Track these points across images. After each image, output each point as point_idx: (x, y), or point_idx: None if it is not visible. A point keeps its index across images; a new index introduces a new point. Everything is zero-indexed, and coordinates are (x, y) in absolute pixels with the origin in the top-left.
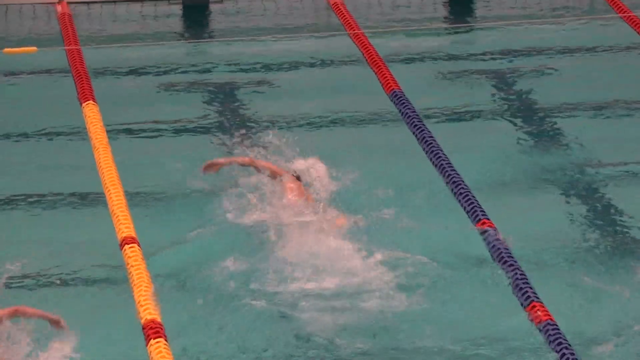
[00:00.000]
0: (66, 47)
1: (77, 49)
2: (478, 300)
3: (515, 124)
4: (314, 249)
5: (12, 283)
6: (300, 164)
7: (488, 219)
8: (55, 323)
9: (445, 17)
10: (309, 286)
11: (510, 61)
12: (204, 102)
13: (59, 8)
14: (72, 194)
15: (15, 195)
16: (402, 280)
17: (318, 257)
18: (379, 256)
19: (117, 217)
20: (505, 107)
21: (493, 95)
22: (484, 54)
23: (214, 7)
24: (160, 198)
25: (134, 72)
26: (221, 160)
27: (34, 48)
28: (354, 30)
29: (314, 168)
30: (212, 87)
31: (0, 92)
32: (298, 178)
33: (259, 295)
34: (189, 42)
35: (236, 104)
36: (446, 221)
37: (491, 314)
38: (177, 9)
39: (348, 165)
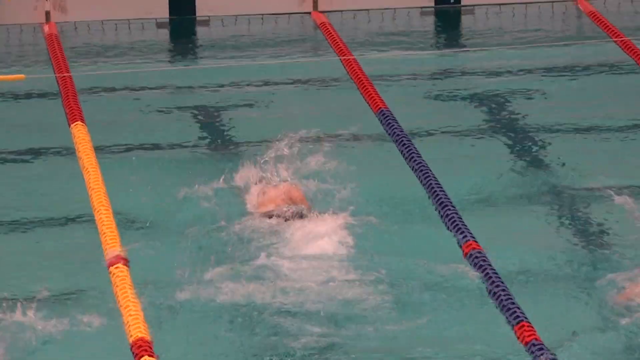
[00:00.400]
0: (57, 75)
1: (68, 76)
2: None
3: (503, 144)
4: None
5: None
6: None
7: (475, 240)
8: None
9: (433, 38)
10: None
11: (498, 81)
12: (191, 123)
13: (46, 28)
14: (62, 217)
15: (2, 217)
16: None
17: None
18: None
19: (106, 237)
20: (493, 127)
21: (481, 115)
22: (471, 74)
23: (200, 28)
24: (150, 218)
25: (122, 92)
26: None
27: (22, 76)
28: (342, 50)
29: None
30: (199, 108)
31: None
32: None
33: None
34: (176, 63)
35: (224, 125)
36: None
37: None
38: (165, 28)
39: (337, 182)
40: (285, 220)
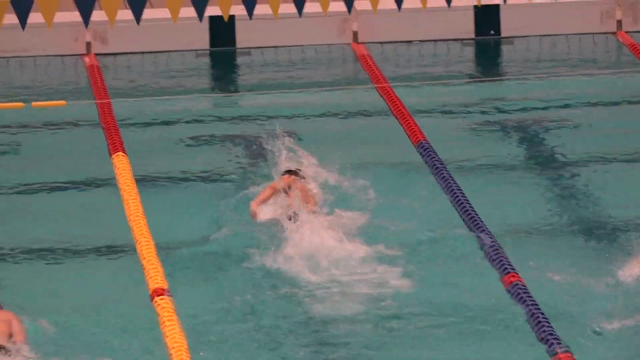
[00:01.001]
0: (96, 101)
1: (107, 102)
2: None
3: (540, 174)
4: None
5: (43, 331)
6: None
7: (514, 271)
8: None
9: (470, 70)
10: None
11: (538, 112)
12: (231, 153)
13: (86, 60)
14: (103, 245)
15: (46, 246)
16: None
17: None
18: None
19: (147, 268)
20: (528, 158)
21: (516, 146)
22: (508, 105)
23: (240, 58)
24: (190, 249)
25: (162, 123)
26: (262, 197)
27: (63, 102)
28: (380, 82)
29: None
30: (240, 138)
31: (30, 144)
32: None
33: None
34: (217, 94)
35: (264, 155)
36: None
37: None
38: (205, 59)
39: (375, 210)
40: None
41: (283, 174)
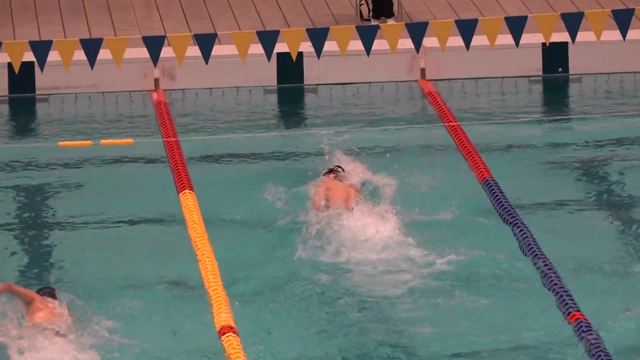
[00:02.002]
0: (165, 140)
1: (176, 142)
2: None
3: (605, 214)
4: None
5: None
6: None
7: (579, 311)
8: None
9: (538, 107)
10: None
11: (600, 152)
12: (296, 191)
13: (154, 96)
14: (170, 282)
15: (114, 283)
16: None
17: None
18: None
19: (216, 307)
20: (596, 197)
21: (584, 184)
22: (574, 143)
23: (308, 95)
24: (256, 284)
25: (229, 159)
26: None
27: (131, 140)
28: (447, 119)
29: None
30: (301, 174)
31: (97, 181)
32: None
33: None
34: (284, 129)
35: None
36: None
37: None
38: (273, 96)
39: (441, 247)
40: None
41: (324, 173)
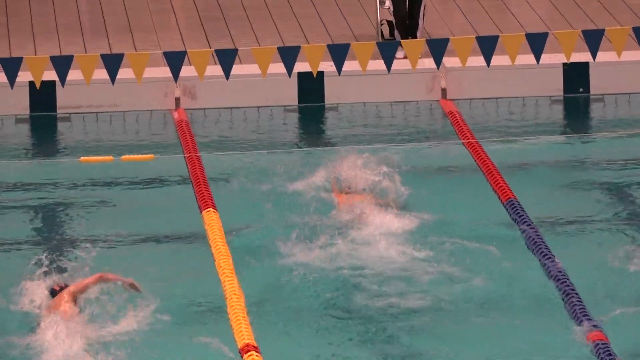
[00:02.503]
0: (186, 156)
1: (198, 160)
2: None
3: (628, 234)
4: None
5: None
6: None
7: (601, 330)
8: (132, 286)
9: (559, 127)
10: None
11: (622, 172)
12: (319, 205)
13: (175, 115)
14: (192, 301)
15: (133, 301)
16: None
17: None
18: None
19: (236, 325)
20: (617, 216)
21: (605, 204)
22: (597, 163)
23: (329, 114)
24: (282, 304)
25: (251, 177)
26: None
27: (151, 156)
28: (468, 138)
29: None
30: (321, 192)
31: (118, 198)
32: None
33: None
34: (304, 148)
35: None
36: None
37: None
38: (294, 115)
39: (459, 268)
40: None
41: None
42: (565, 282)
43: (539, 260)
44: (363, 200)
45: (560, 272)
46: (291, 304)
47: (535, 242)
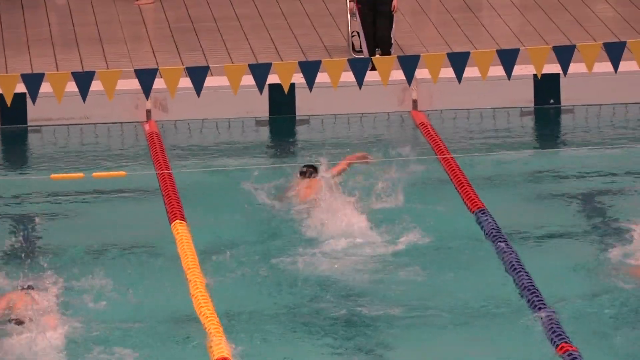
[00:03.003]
0: (157, 172)
1: (168, 173)
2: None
3: (596, 245)
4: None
5: None
6: None
7: (568, 343)
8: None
9: (530, 138)
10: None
11: (592, 183)
12: (289, 218)
13: (146, 127)
14: (163, 314)
15: (105, 316)
16: None
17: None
18: None
19: (211, 335)
20: (586, 227)
21: (574, 216)
22: (570, 173)
23: (300, 126)
24: (252, 312)
25: (222, 190)
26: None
27: (123, 172)
28: (440, 149)
29: None
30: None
31: (88, 213)
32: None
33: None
34: (272, 161)
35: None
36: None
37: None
38: (264, 127)
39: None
40: None
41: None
42: (534, 292)
43: (509, 273)
44: (321, 186)
45: (530, 283)
46: (264, 313)
47: (505, 252)
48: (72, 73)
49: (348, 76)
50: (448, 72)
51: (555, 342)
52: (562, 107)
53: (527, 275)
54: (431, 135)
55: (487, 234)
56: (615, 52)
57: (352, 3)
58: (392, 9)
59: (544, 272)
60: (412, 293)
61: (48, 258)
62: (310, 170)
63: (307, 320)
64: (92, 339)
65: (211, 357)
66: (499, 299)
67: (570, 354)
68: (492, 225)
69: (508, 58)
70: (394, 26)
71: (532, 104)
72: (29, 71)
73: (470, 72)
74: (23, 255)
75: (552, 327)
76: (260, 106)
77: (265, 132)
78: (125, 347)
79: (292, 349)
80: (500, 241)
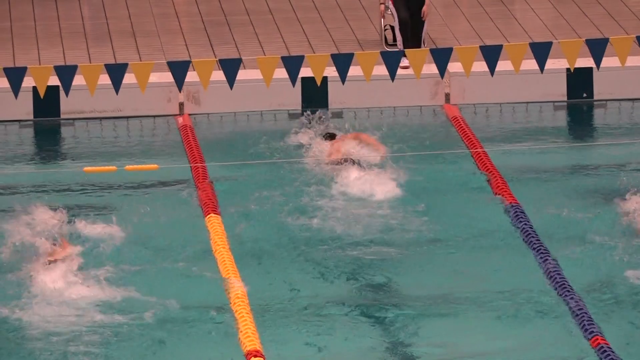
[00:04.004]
0: (191, 165)
1: (202, 166)
2: None
3: (629, 239)
4: None
5: None
6: None
7: (601, 335)
8: None
9: (563, 133)
10: None
11: (627, 176)
12: (328, 217)
13: (179, 120)
14: (197, 305)
15: (138, 307)
16: None
17: None
18: None
19: (244, 330)
20: (620, 221)
21: (607, 210)
22: (603, 167)
23: (333, 120)
24: (284, 307)
25: (262, 182)
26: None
27: (155, 166)
28: (473, 143)
29: None
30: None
31: (122, 205)
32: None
33: None
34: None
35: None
36: None
37: None
38: (297, 120)
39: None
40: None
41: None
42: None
43: (539, 262)
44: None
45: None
46: (297, 309)
47: (535, 246)
48: (105, 65)
49: (381, 69)
50: (481, 66)
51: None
52: (594, 102)
53: (554, 263)
54: (463, 129)
55: (519, 229)
56: None
57: None
58: (422, 16)
59: (575, 265)
60: (436, 277)
61: (81, 252)
62: (332, 134)
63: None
64: (119, 336)
65: (242, 347)
66: (527, 291)
67: (602, 348)
68: (525, 220)
69: (541, 51)
70: (425, 26)
71: (565, 98)
72: (62, 64)
73: (503, 65)
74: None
75: (583, 320)
76: (293, 99)
77: (298, 124)
78: (158, 338)
79: (327, 336)
80: (533, 238)
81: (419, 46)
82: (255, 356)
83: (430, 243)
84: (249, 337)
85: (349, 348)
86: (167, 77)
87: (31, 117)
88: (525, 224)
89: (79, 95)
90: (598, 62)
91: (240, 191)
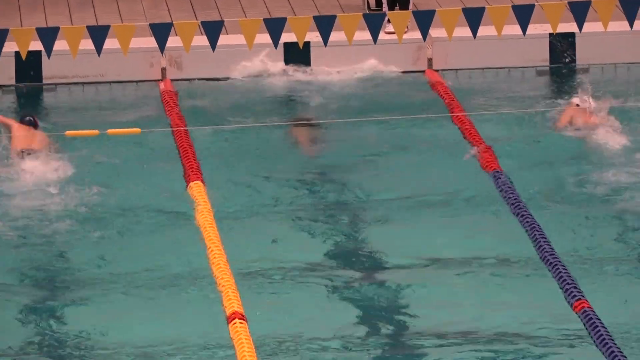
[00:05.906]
0: (173, 129)
1: (184, 132)
2: None
3: (610, 201)
4: None
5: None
6: None
7: (584, 298)
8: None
9: (545, 97)
10: None
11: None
12: (318, 183)
13: (162, 85)
14: (179, 272)
15: (118, 271)
16: None
17: None
18: None
19: (226, 294)
20: (602, 187)
21: (590, 174)
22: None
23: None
24: (264, 274)
25: (237, 149)
26: None
27: (138, 130)
28: (455, 110)
29: None
30: (312, 162)
31: (101, 172)
32: None
33: None
34: (284, 122)
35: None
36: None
37: None
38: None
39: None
40: None
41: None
42: (545, 248)
43: (526, 231)
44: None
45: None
46: (277, 274)
47: (520, 209)
48: (87, 27)
49: (363, 34)
50: (463, 31)
51: (571, 300)
52: (577, 66)
53: (540, 231)
54: (447, 94)
55: (503, 196)
56: (630, 9)
57: None
58: None
59: (558, 232)
60: (424, 245)
61: (57, 216)
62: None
63: (323, 283)
64: (98, 293)
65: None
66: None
67: (585, 311)
68: (508, 186)
69: (523, 14)
70: None
71: (548, 63)
72: None
73: (485, 30)
74: (33, 214)
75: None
76: (275, 63)
77: (281, 90)
78: (136, 301)
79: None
80: (517, 205)
81: (407, 8)
82: (240, 318)
83: (416, 206)
84: (230, 300)
85: (331, 311)
86: (150, 42)
87: (13, 82)
88: (509, 189)
89: (61, 60)
90: (580, 24)
91: (220, 155)
